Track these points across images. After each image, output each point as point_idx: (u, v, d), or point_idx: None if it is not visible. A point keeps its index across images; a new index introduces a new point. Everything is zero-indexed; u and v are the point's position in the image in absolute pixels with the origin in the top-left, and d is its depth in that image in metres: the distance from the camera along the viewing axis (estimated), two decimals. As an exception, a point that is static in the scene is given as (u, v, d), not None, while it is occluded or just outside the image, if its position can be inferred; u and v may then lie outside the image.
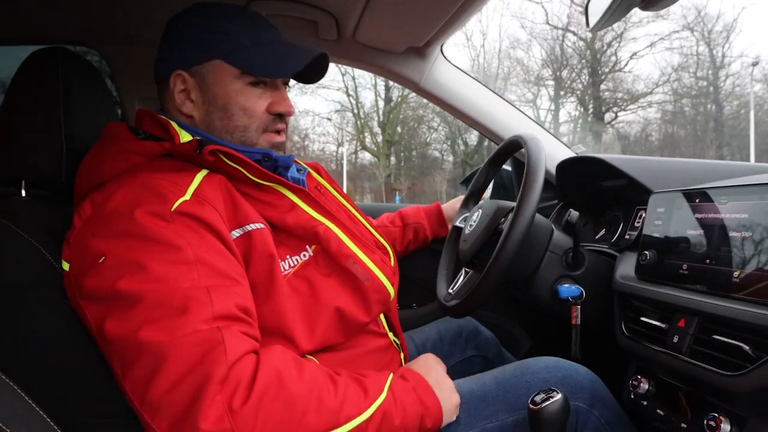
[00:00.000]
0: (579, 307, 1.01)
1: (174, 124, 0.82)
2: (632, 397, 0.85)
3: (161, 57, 0.87)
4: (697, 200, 0.82)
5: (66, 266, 0.72)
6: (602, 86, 20.17)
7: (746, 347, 0.64)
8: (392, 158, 21.87)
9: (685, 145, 19.71)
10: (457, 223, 1.27)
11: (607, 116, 20.21)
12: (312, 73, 0.94)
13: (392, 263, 1.08)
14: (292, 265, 0.81)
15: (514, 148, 1.17)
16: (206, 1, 0.88)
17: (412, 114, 20.86)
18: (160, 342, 0.61)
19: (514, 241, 0.92)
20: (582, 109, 20.62)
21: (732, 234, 0.73)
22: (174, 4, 0.89)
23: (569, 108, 21.37)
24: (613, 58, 19.92)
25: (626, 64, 19.80)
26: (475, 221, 1.15)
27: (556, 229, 1.09)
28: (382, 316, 1.00)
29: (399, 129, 20.78)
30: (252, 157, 0.82)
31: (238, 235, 0.76)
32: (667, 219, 0.87)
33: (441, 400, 0.78)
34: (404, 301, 1.52)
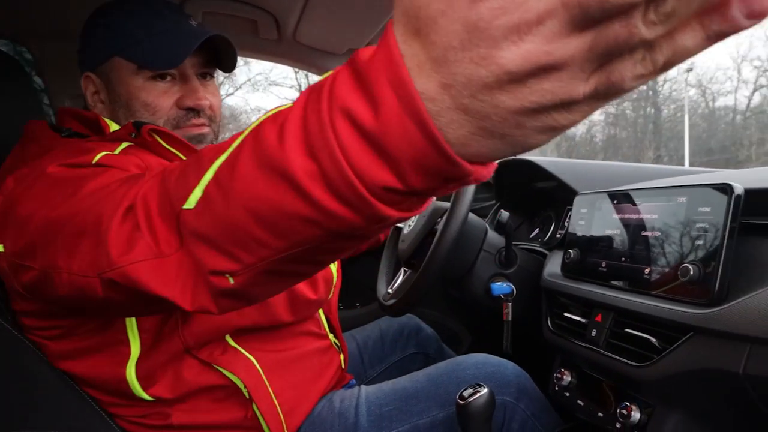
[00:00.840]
0: (510, 304, 1.05)
1: (105, 118, 0.81)
2: (556, 389, 0.89)
3: (78, 59, 0.85)
4: (615, 201, 0.86)
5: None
6: (550, 88, 20.76)
7: (654, 340, 0.69)
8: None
9: (626, 146, 20.65)
10: (398, 224, 1.29)
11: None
12: (225, 60, 0.88)
13: (335, 264, 1.09)
14: None
15: None
16: None
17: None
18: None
19: (447, 241, 0.95)
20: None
21: (644, 233, 0.78)
22: (99, -1, 0.87)
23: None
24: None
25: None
26: (413, 222, 1.17)
27: (490, 229, 1.13)
28: (323, 317, 1.01)
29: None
30: None
31: None
32: (589, 219, 0.92)
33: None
34: (348, 301, 1.53)
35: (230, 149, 0.40)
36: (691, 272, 0.66)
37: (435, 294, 1.48)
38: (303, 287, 0.84)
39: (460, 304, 1.46)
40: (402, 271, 1.17)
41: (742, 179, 0.73)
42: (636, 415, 0.71)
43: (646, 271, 0.75)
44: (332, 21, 1.21)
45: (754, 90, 18.83)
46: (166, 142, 0.77)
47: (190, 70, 0.84)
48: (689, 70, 18.95)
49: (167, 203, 0.45)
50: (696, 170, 1.11)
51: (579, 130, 21.42)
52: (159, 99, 0.81)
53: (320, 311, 0.99)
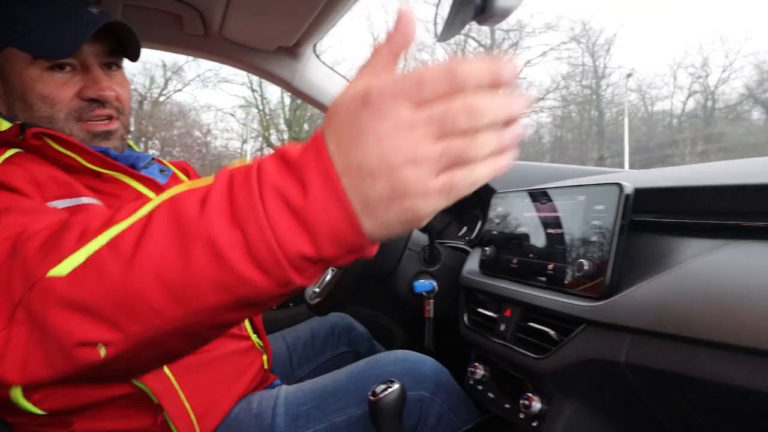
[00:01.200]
0: (432, 301, 1.07)
1: None
2: (471, 383, 0.91)
3: None
4: (526, 200, 0.90)
5: None
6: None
7: (552, 332, 0.72)
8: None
9: (572, 147, 21.43)
10: None
11: (505, 119, 21.40)
12: (130, 49, 0.85)
13: None
14: None
15: None
16: None
17: (320, 112, 20.71)
18: None
19: None
20: (482, 112, 21.66)
21: (549, 231, 0.81)
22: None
23: (471, 110, 22.32)
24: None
25: (521, 71, 21.13)
26: None
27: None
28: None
29: (306, 127, 20.57)
30: None
31: (63, 206, 0.69)
32: (504, 217, 0.95)
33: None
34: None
35: (132, 218, 0.42)
36: (586, 267, 0.70)
37: (369, 292, 1.49)
38: None
39: (390, 301, 1.48)
40: (330, 270, 1.17)
41: (636, 179, 0.78)
42: (537, 405, 0.74)
43: (550, 266, 0.78)
44: (259, 17, 1.19)
45: (689, 95, 19.94)
46: (63, 147, 0.73)
47: (92, 60, 0.80)
48: (629, 75, 19.87)
49: (13, 274, 0.44)
50: (603, 170, 1.17)
51: (528, 131, 22.05)
52: (57, 90, 0.77)
53: None
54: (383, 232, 0.38)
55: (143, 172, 0.94)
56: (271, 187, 0.38)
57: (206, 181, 0.42)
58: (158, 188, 0.83)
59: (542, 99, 21.22)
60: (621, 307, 0.62)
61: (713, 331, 0.51)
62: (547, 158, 20.99)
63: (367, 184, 0.36)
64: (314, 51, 1.42)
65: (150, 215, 0.41)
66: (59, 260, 0.42)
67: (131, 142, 1.00)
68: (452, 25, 0.85)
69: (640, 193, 0.72)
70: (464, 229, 1.33)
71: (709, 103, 19.45)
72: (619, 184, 0.70)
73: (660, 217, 0.73)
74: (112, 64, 0.84)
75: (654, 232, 0.72)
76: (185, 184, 0.43)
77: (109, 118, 0.83)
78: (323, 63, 1.45)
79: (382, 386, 0.78)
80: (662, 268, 0.62)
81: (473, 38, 20.85)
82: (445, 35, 0.89)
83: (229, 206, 0.38)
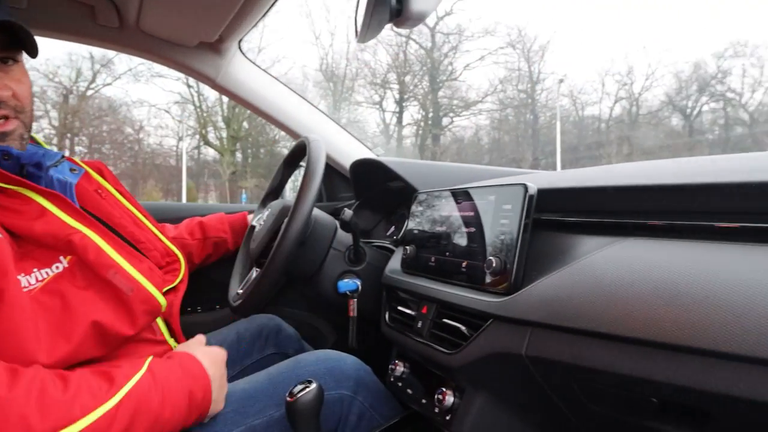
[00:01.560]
0: (356, 300, 1.07)
1: None
2: (392, 380, 0.93)
3: None
4: (443, 200, 0.92)
5: None
6: (440, 93, 21.79)
7: (463, 328, 0.74)
8: (238, 155, 21.11)
9: (509, 149, 22.16)
10: (253, 223, 1.27)
11: (445, 120, 21.92)
12: (27, 44, 0.80)
13: (182, 274, 1.04)
14: (40, 279, 0.73)
15: (303, 149, 1.20)
16: None
17: (261, 110, 20.28)
18: None
19: (289, 239, 0.95)
20: (423, 113, 22.06)
21: (464, 229, 0.84)
22: None
23: (413, 111, 22.68)
24: (450, 68, 21.65)
25: (460, 74, 21.66)
26: (264, 220, 1.16)
27: (341, 227, 1.15)
28: (161, 322, 0.96)
29: (245, 125, 20.11)
30: None
31: None
32: (423, 216, 0.96)
33: (210, 376, 0.77)
34: (207, 303, 1.48)
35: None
36: (494, 264, 0.72)
37: (298, 293, 1.48)
38: (116, 323, 0.78)
39: (317, 302, 1.48)
40: (254, 270, 1.15)
41: (544, 180, 0.81)
42: (450, 399, 0.76)
43: (464, 264, 0.81)
44: (177, 10, 1.15)
45: (615, 101, 21.11)
46: None
47: None
48: (561, 81, 20.80)
49: None
50: (519, 171, 1.21)
51: (468, 133, 22.62)
52: None
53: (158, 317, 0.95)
54: None
55: (55, 176, 0.89)
56: None
57: None
58: (63, 203, 0.78)
59: (480, 102, 21.84)
60: (522, 302, 0.65)
61: (600, 323, 0.54)
62: (486, 159, 21.60)
63: None
64: (239, 47, 1.39)
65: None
66: None
67: (39, 138, 0.95)
68: (369, 27, 0.87)
69: (546, 193, 0.76)
70: (392, 228, 1.35)
71: (634, 109, 20.70)
72: (523, 185, 0.73)
73: (564, 216, 0.77)
74: (7, 59, 0.78)
75: (558, 230, 0.76)
76: None
77: (5, 118, 0.77)
78: (250, 60, 1.42)
79: (300, 387, 0.77)
80: (560, 265, 0.65)
81: (414, 40, 21.13)
82: (363, 37, 0.90)
83: None
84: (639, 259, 0.58)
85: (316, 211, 1.12)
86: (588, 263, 0.61)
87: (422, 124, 22.01)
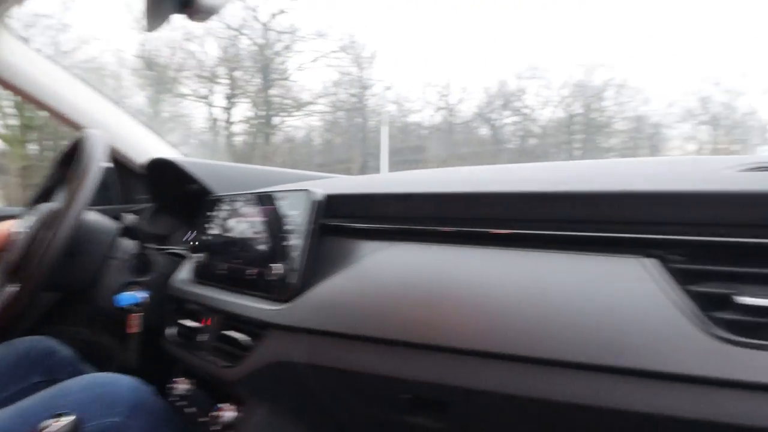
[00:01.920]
0: (141, 314, 0.97)
1: None
2: (171, 399, 0.86)
3: None
4: (235, 205, 0.88)
5: None
6: (273, 91, 21.43)
7: (243, 338, 0.71)
8: (35, 146, 18.15)
9: (341, 151, 22.72)
10: (19, 230, 1.08)
11: (277, 120, 21.62)
12: None
13: None
14: None
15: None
16: None
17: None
18: None
19: (52, 248, 0.83)
20: (255, 111, 21.46)
21: (252, 235, 0.81)
22: None
23: (244, 108, 21.89)
24: (282, 67, 21.42)
25: (293, 74, 21.57)
26: (29, 227, 0.99)
27: (123, 234, 1.04)
28: None
29: (44, 113, 17.33)
30: None
31: None
32: (215, 222, 0.91)
33: None
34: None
35: None
36: (280, 271, 0.71)
37: (79, 309, 1.30)
38: None
39: (99, 318, 1.32)
40: (9, 284, 0.97)
41: (340, 185, 0.82)
42: (230, 414, 0.73)
43: (253, 272, 0.78)
44: None
45: (436, 110, 23.02)
46: None
47: None
48: (388, 88, 21.99)
49: None
50: (322, 175, 1.23)
51: (300, 133, 22.59)
52: None
53: None
54: None
55: None
56: None
57: None
58: None
59: (313, 103, 22.00)
60: (299, 309, 0.65)
61: (365, 327, 0.56)
62: (318, 160, 21.80)
63: None
64: (3, 24, 1.18)
65: None
66: None
67: None
68: (155, 17, 0.82)
69: (336, 198, 0.76)
70: (190, 234, 1.26)
71: (450, 118, 22.80)
72: (307, 191, 0.73)
73: (353, 222, 0.79)
74: None
75: (349, 236, 0.77)
76: None
77: None
78: (19, 40, 1.21)
79: (50, 421, 0.67)
80: (337, 270, 0.66)
81: (246, 35, 20.43)
82: (151, 25, 0.84)
83: None
84: (403, 262, 0.61)
85: (92, 215, 1.00)
86: (358, 268, 0.63)
87: (253, 122, 21.42)
